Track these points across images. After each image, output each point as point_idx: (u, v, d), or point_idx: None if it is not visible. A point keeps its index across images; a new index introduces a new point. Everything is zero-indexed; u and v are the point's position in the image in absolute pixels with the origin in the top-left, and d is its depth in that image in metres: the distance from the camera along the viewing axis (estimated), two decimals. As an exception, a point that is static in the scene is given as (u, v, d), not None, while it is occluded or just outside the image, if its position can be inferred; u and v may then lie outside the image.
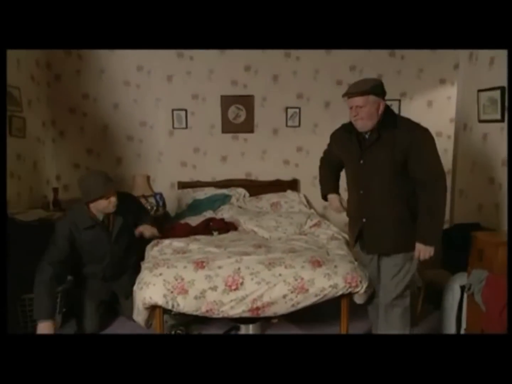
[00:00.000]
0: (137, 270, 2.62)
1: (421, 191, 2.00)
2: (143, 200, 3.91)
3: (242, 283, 2.31)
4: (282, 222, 3.16)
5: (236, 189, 3.93)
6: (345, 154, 2.19)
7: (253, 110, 3.99)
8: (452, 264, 2.75)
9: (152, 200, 3.96)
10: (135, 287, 2.36)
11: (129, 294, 2.51)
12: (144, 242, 2.82)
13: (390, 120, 1.99)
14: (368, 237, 2.18)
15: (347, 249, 2.69)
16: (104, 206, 2.50)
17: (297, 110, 4.02)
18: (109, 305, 2.83)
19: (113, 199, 2.50)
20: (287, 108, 4.01)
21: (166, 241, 2.75)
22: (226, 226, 3.08)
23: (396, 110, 3.98)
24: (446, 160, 4.05)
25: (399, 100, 4.01)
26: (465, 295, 2.42)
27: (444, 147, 4.07)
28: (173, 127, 3.99)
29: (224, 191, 3.87)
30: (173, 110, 3.95)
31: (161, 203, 3.96)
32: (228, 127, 4.01)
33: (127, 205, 2.68)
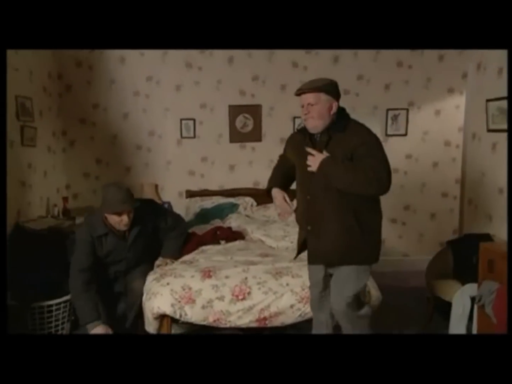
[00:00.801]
0: (152, 263, 2.66)
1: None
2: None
3: (249, 293, 2.31)
4: (290, 231, 3.15)
5: (243, 198, 3.94)
6: (296, 157, 2.07)
7: (260, 119, 4.02)
8: (462, 275, 2.72)
9: (160, 208, 4.00)
10: (144, 298, 2.36)
11: (135, 287, 2.54)
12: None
13: (342, 123, 1.90)
14: (310, 246, 2.04)
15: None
16: (115, 221, 2.45)
17: (305, 119, 4.02)
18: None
19: (125, 219, 2.43)
20: (294, 118, 4.01)
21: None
22: (234, 235, 3.08)
23: (403, 120, 4.00)
24: (455, 170, 4.05)
25: (407, 110, 4.01)
26: (476, 307, 2.39)
27: (453, 156, 4.06)
28: (181, 136, 4.02)
29: (232, 200, 3.88)
30: (181, 120, 3.99)
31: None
32: (236, 136, 4.04)
33: (148, 216, 2.61)
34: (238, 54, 3.92)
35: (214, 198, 3.92)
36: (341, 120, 1.91)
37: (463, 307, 2.49)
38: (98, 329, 2.33)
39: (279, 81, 3.98)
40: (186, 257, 2.70)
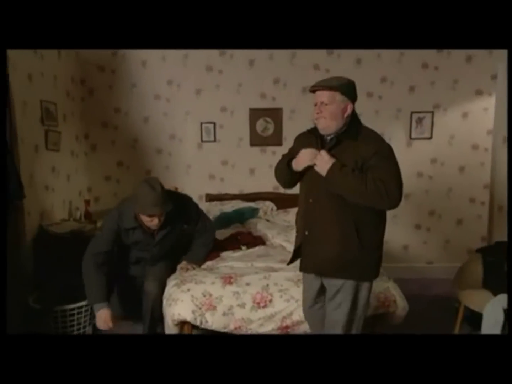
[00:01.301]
0: (171, 262, 2.64)
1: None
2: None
3: (270, 301, 2.26)
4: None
5: (264, 202, 3.90)
6: None
7: (281, 123, 3.97)
8: (493, 284, 2.60)
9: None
10: (164, 303, 2.34)
11: (150, 290, 2.51)
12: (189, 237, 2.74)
13: (354, 129, 1.78)
14: (305, 252, 1.92)
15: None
16: (145, 221, 2.39)
17: (326, 122, 3.95)
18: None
19: (155, 221, 2.36)
20: (316, 121, 3.95)
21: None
22: (254, 241, 3.04)
23: (429, 123, 3.89)
24: (483, 174, 3.91)
25: (432, 112, 3.89)
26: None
27: (481, 161, 3.91)
28: (202, 140, 4.01)
29: (252, 204, 3.84)
30: (201, 123, 3.99)
31: None
32: (257, 140, 4.00)
33: (181, 213, 2.53)
34: (259, 57, 3.89)
35: (234, 202, 3.90)
36: (353, 126, 1.79)
37: (495, 318, 2.37)
38: (102, 312, 2.34)
39: (300, 84, 3.92)
40: (207, 263, 2.68)
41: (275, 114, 3.96)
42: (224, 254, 2.85)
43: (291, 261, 2.06)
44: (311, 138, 1.88)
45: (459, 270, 2.87)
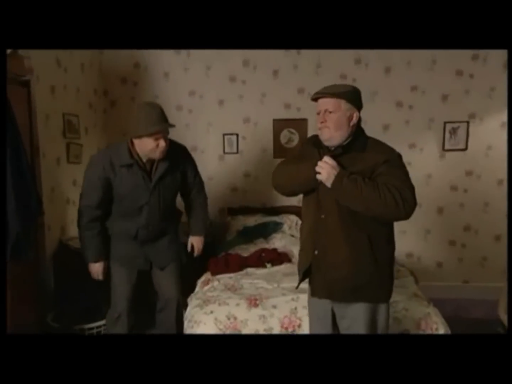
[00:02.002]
0: (177, 236, 2.40)
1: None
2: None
3: (299, 325, 2.11)
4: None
5: (288, 216, 3.74)
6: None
7: (306, 134, 3.82)
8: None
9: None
10: (185, 325, 2.22)
11: (165, 264, 2.32)
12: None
13: (360, 140, 1.66)
14: (316, 274, 1.73)
15: (417, 287, 2.42)
16: (150, 148, 2.06)
17: (353, 133, 3.80)
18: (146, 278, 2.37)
19: (162, 144, 2.04)
20: (342, 132, 3.80)
21: (217, 277, 2.61)
22: (280, 258, 2.89)
23: (464, 133, 3.68)
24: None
25: (467, 122, 3.68)
26: None
27: (522, 173, 3.66)
28: (224, 152, 3.91)
29: (275, 218, 3.69)
30: (224, 135, 3.89)
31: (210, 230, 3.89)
32: (280, 151, 3.86)
33: (179, 159, 2.27)
34: (284, 66, 3.79)
35: (257, 216, 3.76)
36: (359, 136, 1.67)
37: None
38: (94, 266, 2.24)
39: (326, 94, 3.79)
40: (229, 280, 2.54)
41: (299, 125, 3.83)
42: (248, 271, 2.72)
43: (300, 283, 1.85)
44: (313, 150, 1.72)
45: (503, 290, 2.64)
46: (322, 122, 1.63)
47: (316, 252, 1.70)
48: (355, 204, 1.59)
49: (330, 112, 1.61)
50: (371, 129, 3.72)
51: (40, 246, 2.73)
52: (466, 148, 3.70)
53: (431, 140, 3.74)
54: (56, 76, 3.00)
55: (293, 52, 3.78)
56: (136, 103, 3.77)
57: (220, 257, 2.90)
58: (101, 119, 3.82)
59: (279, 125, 3.85)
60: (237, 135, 3.88)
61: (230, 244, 3.38)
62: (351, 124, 1.63)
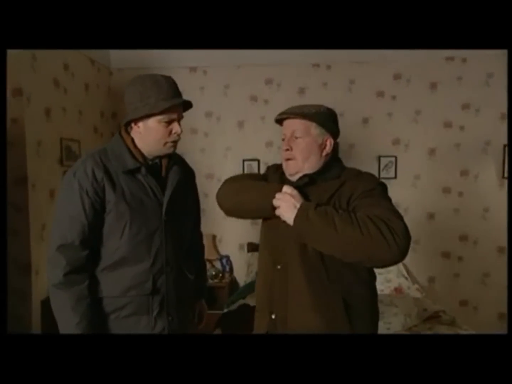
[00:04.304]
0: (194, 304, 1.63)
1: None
2: (207, 266, 3.40)
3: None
4: (382, 309, 2.37)
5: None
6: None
7: (337, 159, 3.36)
8: None
9: (217, 264, 3.45)
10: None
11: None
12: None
13: (334, 168, 1.32)
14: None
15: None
16: (161, 135, 1.36)
17: (393, 159, 3.30)
18: None
19: (177, 129, 1.38)
20: (380, 157, 3.31)
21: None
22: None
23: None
24: None
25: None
26: None
27: None
28: (244, 180, 3.47)
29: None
30: (244, 160, 3.45)
31: (227, 268, 3.47)
32: (308, 179, 3.39)
33: (188, 181, 1.60)
34: (311, 83, 3.36)
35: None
36: (332, 166, 1.32)
37: None
38: None
39: (360, 114, 3.33)
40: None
41: (330, 149, 3.36)
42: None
43: None
44: (274, 177, 1.38)
45: None
46: (287, 150, 1.30)
47: (273, 316, 1.29)
48: (327, 246, 1.17)
49: (297, 138, 1.29)
50: (414, 153, 3.32)
51: (27, 292, 2.34)
52: (531, 176, 3.11)
53: (488, 167, 3.18)
54: (53, 97, 2.66)
55: (322, 66, 3.35)
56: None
57: (234, 310, 2.40)
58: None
59: (307, 149, 3.39)
60: (259, 161, 3.44)
61: (250, 288, 2.89)
62: (324, 153, 1.30)
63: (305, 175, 1.30)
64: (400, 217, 1.18)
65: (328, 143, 1.30)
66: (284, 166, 1.34)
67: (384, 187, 1.29)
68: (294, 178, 1.31)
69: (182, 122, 1.41)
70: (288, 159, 1.30)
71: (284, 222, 1.24)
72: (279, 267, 1.28)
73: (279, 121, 1.36)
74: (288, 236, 1.25)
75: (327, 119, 1.31)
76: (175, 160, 1.47)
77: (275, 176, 1.39)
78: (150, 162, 1.40)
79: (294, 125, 1.30)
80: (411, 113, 3.27)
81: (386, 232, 1.12)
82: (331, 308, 1.23)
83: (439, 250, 3.26)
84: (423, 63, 3.21)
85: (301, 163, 1.28)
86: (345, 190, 1.24)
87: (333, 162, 1.33)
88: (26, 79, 2.41)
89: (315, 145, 1.28)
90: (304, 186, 1.28)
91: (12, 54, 2.33)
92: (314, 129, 1.28)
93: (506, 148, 3.11)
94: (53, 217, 1.34)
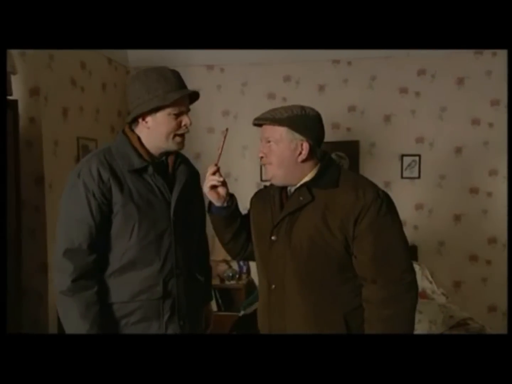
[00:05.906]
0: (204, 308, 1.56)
1: (369, 296, 1.20)
2: (224, 267, 3.36)
3: None
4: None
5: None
6: (256, 224, 1.37)
7: (358, 158, 3.26)
8: None
9: (235, 265, 3.40)
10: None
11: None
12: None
13: (329, 174, 1.27)
14: None
15: None
16: (171, 128, 1.31)
17: (417, 158, 3.18)
18: None
19: (186, 121, 1.34)
20: (402, 156, 3.20)
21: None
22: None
23: None
24: None
25: None
26: None
27: None
28: (261, 180, 3.41)
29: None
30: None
31: (244, 269, 3.44)
32: (327, 179, 3.31)
33: (192, 174, 1.50)
34: (331, 80, 3.27)
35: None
36: (326, 170, 1.28)
37: None
38: None
39: (382, 111, 3.22)
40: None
41: (350, 148, 3.27)
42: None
43: None
44: (271, 195, 1.35)
45: None
46: (262, 156, 1.29)
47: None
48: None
49: (270, 143, 1.27)
50: (439, 152, 3.19)
51: (42, 294, 2.35)
52: None
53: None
54: (70, 97, 2.66)
55: (342, 62, 3.25)
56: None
57: (250, 314, 2.34)
58: (126, 143, 3.47)
59: (326, 148, 3.17)
60: (276, 160, 3.37)
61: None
62: (299, 159, 1.25)
63: (300, 190, 1.27)
64: (400, 251, 1.21)
65: (303, 147, 1.25)
66: (264, 170, 1.35)
67: (388, 201, 1.25)
68: (275, 183, 1.31)
69: (199, 121, 1.38)
70: (264, 164, 1.30)
71: (277, 240, 1.25)
72: (273, 286, 1.26)
73: (257, 125, 1.32)
74: (281, 255, 1.24)
75: (300, 123, 1.25)
76: (181, 158, 1.43)
77: (264, 195, 1.40)
78: (156, 161, 1.35)
79: (266, 130, 1.28)
80: (436, 110, 3.14)
81: (402, 295, 1.17)
82: (331, 325, 1.20)
83: (466, 253, 3.12)
84: (449, 58, 3.07)
85: (276, 168, 1.26)
86: (345, 202, 1.21)
87: (325, 167, 1.28)
88: (43, 78, 2.41)
89: (288, 151, 1.25)
90: (300, 203, 1.24)
91: (30, 54, 2.33)
92: (285, 134, 1.24)
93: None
94: (57, 220, 1.29)
